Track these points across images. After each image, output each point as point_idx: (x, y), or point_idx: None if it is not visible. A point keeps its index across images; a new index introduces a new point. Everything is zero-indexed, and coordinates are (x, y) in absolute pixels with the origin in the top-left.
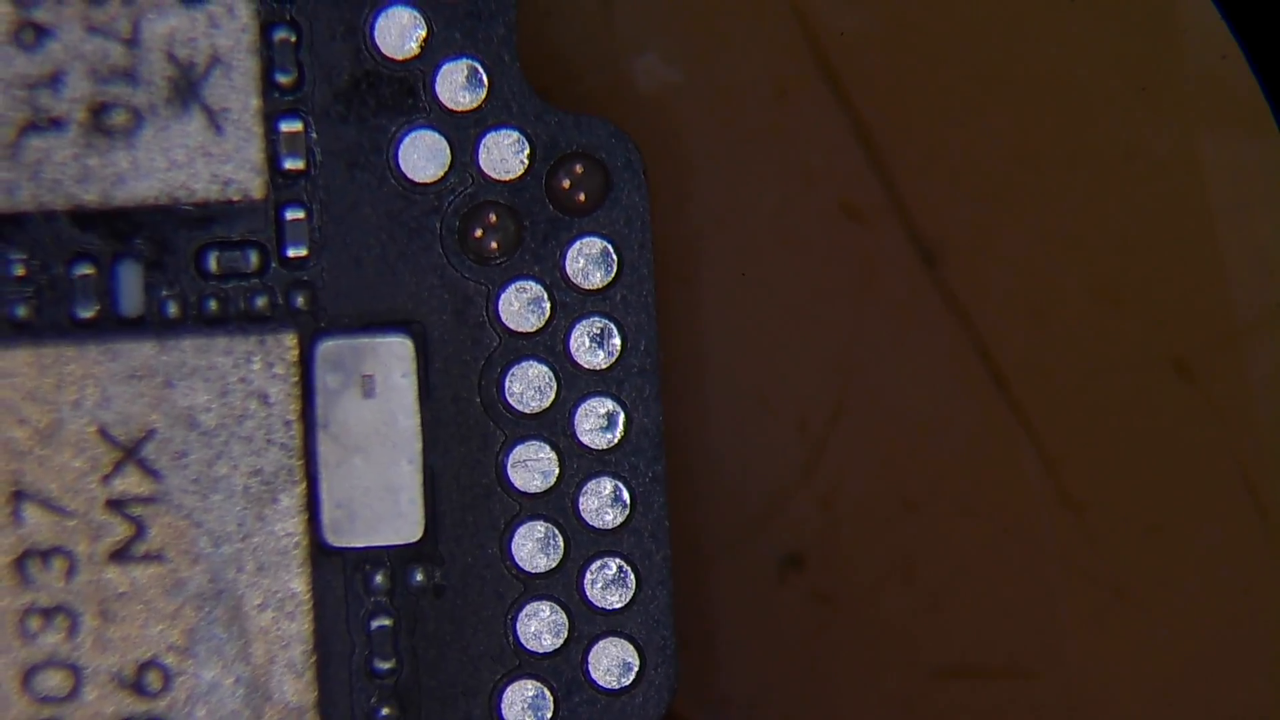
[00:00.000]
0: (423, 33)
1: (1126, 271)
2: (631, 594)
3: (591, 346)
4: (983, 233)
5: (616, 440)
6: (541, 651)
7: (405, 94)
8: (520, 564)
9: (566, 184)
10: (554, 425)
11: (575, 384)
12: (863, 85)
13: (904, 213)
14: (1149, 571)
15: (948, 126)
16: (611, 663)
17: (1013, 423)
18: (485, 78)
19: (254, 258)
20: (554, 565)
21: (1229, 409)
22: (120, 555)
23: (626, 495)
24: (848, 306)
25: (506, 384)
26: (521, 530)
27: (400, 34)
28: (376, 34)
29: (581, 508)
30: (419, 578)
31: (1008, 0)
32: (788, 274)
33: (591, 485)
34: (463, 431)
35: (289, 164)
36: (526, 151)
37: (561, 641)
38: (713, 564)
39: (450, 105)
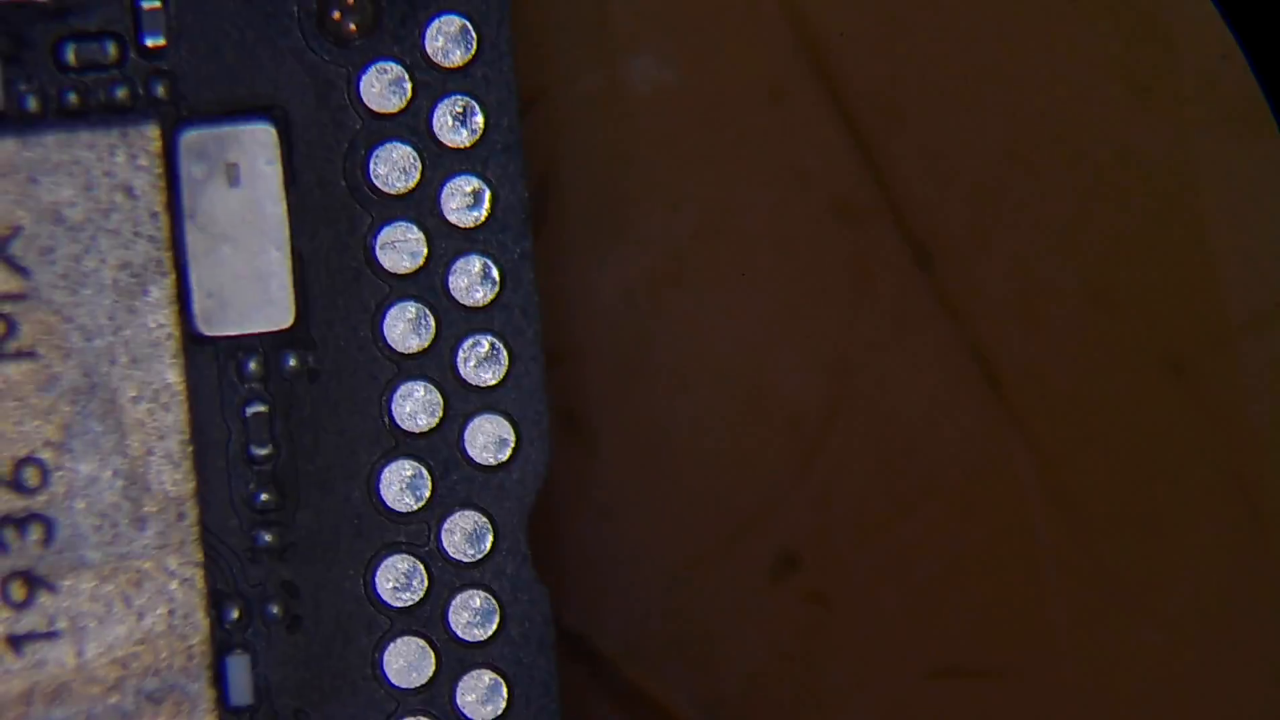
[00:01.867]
0: None
1: (1120, 272)
2: (504, 371)
3: (454, 125)
4: (977, 234)
5: (483, 218)
6: (417, 431)
7: None
8: (393, 345)
9: None
10: (420, 205)
11: (439, 163)
12: (857, 87)
13: (898, 214)
14: (1143, 571)
15: (942, 128)
16: (487, 439)
17: (1007, 423)
18: None
19: (112, 48)
20: (426, 345)
21: (1222, 409)
22: None
23: (496, 272)
24: (842, 307)
25: (371, 166)
26: (393, 311)
27: None
28: None
29: (451, 286)
30: (292, 363)
31: (1003, 1)
32: (782, 275)
33: (460, 264)
34: (330, 216)
35: None
36: None
37: (436, 420)
38: (707, 564)
39: None
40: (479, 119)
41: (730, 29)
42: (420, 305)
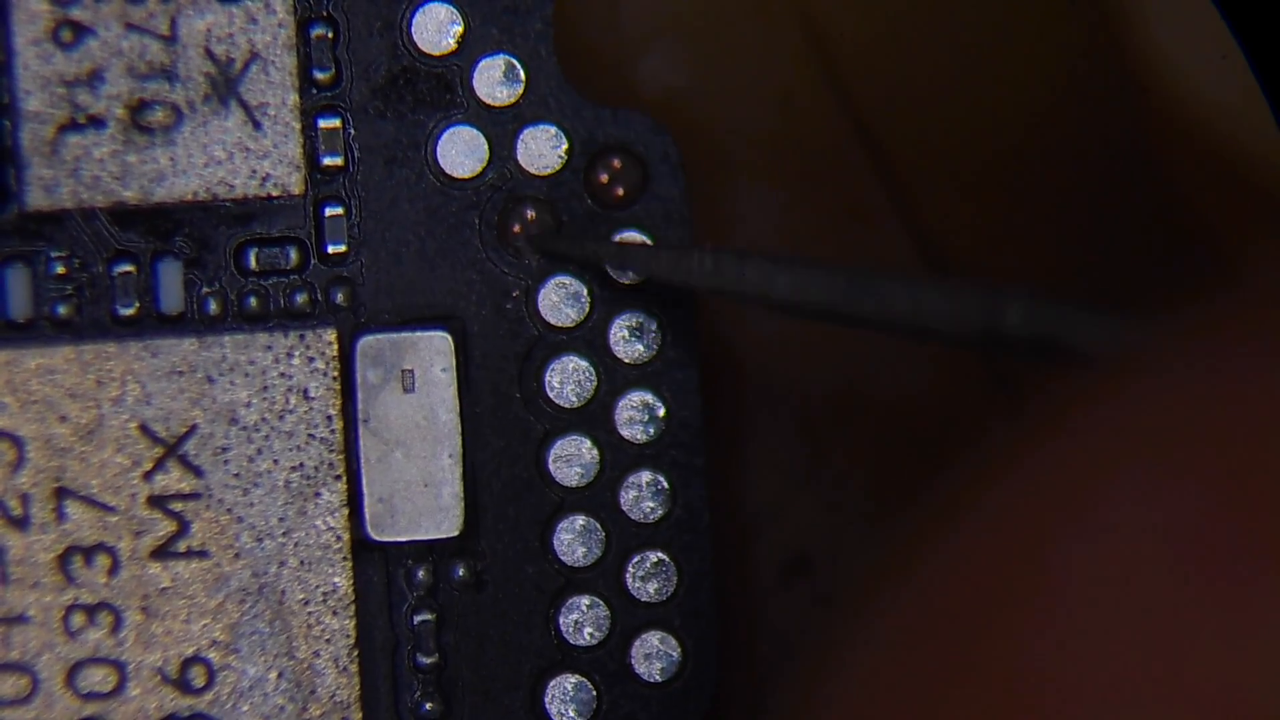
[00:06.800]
0: (460, 28)
1: (1135, 276)
2: (673, 587)
3: (631, 340)
4: (989, 236)
5: (657, 434)
6: (583, 644)
7: (443, 90)
8: (561, 557)
9: (604, 178)
10: (594, 419)
11: (615, 378)
12: (868, 89)
13: (909, 216)
14: None
15: (954, 130)
16: (654, 655)
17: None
18: (522, 73)
19: (294, 254)
20: (595, 559)
21: None
22: (163, 551)
23: (667, 488)
24: None
25: (546, 378)
26: (562, 524)
27: (437, 30)
28: (414, 30)
29: (622, 501)
30: (461, 572)
31: (1012, 3)
32: None
33: (632, 479)
34: (502, 426)
35: (327, 160)
36: (564, 146)
37: (604, 635)
38: (714, 568)
39: (488, 100)
40: (656, 334)
41: (741, 32)
42: (590, 518)
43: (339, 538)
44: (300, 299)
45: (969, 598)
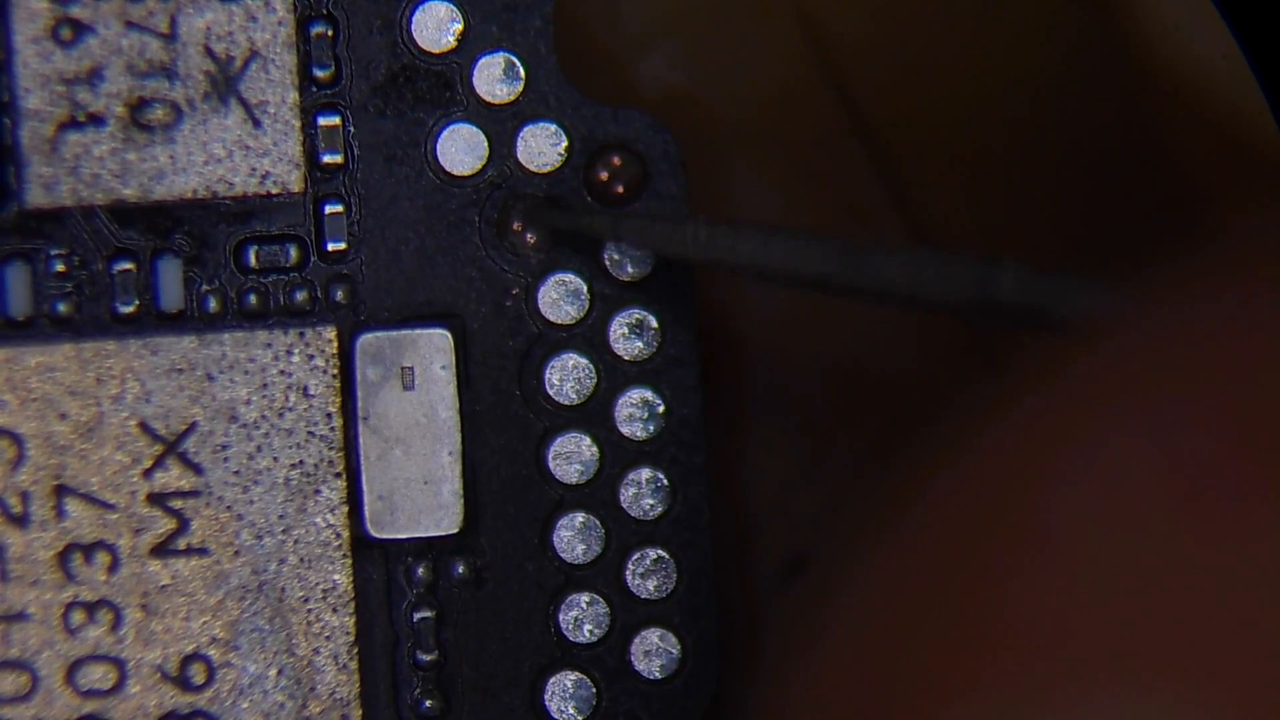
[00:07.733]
0: (460, 26)
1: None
2: (673, 584)
3: (630, 337)
4: (990, 234)
5: (656, 431)
6: (583, 642)
7: (443, 88)
8: (561, 554)
9: (604, 176)
10: (594, 416)
11: (615, 375)
12: (867, 87)
13: (910, 215)
14: None
15: (955, 129)
16: (654, 652)
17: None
18: (522, 70)
19: (293, 252)
20: (595, 556)
21: None
22: (162, 549)
23: (667, 485)
24: (852, 308)
25: (546, 375)
26: (562, 521)
27: (437, 28)
28: (414, 28)
29: (622, 498)
30: (460, 569)
31: (1012, 2)
32: None
33: (632, 476)
34: (502, 423)
35: (327, 158)
36: (564, 144)
37: (603, 632)
38: (714, 565)
39: (488, 98)
40: (655, 332)
41: (740, 30)
42: (590, 515)
43: (338, 535)
44: (300, 296)
45: (953, 539)
